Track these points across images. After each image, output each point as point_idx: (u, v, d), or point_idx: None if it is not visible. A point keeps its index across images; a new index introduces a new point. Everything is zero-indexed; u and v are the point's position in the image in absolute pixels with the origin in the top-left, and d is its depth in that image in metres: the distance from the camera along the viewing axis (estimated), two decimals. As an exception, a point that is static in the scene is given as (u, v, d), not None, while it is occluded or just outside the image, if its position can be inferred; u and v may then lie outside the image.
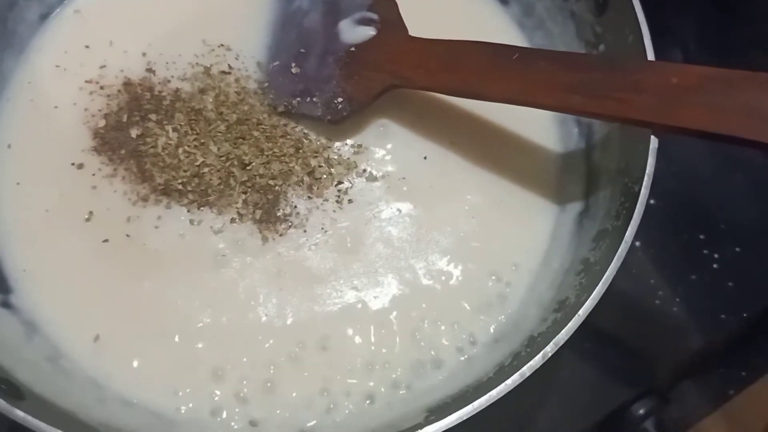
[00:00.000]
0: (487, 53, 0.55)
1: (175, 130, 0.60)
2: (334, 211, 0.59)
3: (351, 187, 0.60)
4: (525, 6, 0.66)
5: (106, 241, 0.57)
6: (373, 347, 0.55)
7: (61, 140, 0.60)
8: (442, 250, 0.58)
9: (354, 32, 0.62)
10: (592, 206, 0.57)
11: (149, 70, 0.63)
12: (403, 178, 0.61)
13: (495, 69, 0.54)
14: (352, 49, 0.61)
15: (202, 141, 0.60)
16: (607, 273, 0.46)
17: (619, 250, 0.46)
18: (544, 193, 0.60)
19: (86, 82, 0.62)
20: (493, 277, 0.57)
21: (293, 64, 0.62)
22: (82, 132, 0.60)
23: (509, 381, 0.43)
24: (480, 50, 0.56)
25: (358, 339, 0.55)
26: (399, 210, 0.60)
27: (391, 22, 0.61)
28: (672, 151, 0.70)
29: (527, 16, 0.66)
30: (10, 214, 0.58)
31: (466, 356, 0.54)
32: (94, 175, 0.59)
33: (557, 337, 0.44)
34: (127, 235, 0.58)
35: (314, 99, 0.60)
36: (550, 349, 0.44)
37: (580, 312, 0.45)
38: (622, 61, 0.52)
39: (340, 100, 0.60)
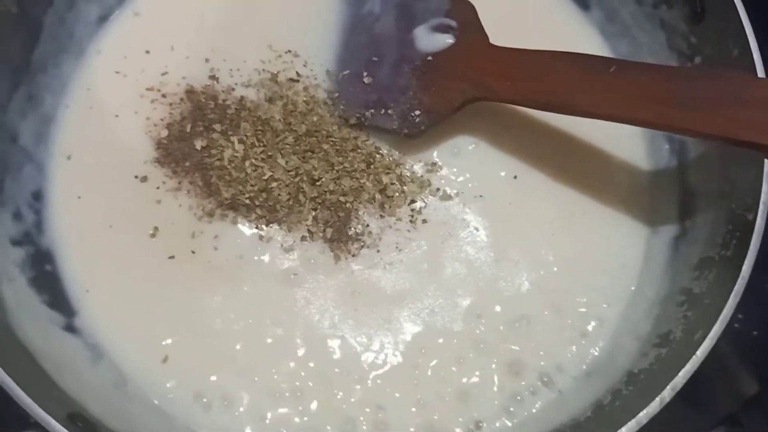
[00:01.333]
0: (578, 65, 0.52)
1: (241, 141, 0.57)
2: (408, 230, 0.56)
3: (425, 206, 0.57)
4: (608, 11, 0.63)
5: (171, 257, 0.55)
6: (457, 376, 0.52)
7: (123, 151, 0.57)
8: (523, 271, 0.55)
9: (430, 40, 0.58)
10: (690, 230, 0.54)
11: (212, 77, 0.60)
12: (480, 196, 0.57)
13: (587, 81, 0.51)
14: (429, 57, 0.58)
15: (270, 153, 0.57)
16: (724, 311, 0.43)
17: (737, 286, 0.43)
18: (634, 214, 0.57)
19: (147, 89, 0.59)
20: (581, 304, 0.54)
21: (365, 73, 0.59)
22: (144, 142, 0.58)
23: (623, 429, 0.40)
24: (571, 61, 0.52)
25: (441, 366, 0.52)
26: (476, 229, 0.57)
27: (470, 28, 0.57)
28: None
29: (610, 22, 0.63)
30: (71, 231, 0.55)
31: (557, 391, 0.51)
32: (158, 188, 0.56)
33: (674, 380, 0.41)
34: (193, 252, 0.55)
35: (389, 111, 0.57)
36: (667, 395, 0.41)
37: (698, 353, 0.42)
38: (728, 76, 0.48)
39: (417, 112, 0.56)
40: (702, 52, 0.55)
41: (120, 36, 0.61)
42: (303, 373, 0.52)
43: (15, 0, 0.53)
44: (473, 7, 0.58)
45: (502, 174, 0.58)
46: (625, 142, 0.59)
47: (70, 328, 0.52)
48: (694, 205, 0.54)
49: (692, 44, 0.56)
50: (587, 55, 0.52)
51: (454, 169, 0.58)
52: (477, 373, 0.52)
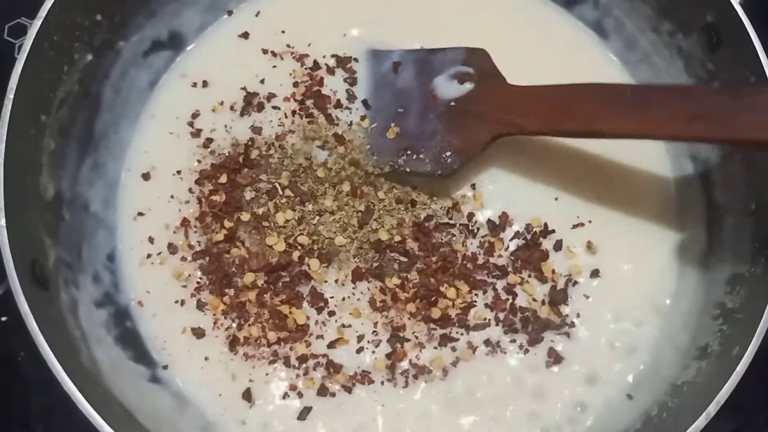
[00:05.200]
0: (599, 94, 0.55)
1: (284, 188, 0.61)
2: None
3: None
4: (626, 40, 0.66)
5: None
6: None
7: (183, 207, 0.61)
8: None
9: (451, 87, 0.62)
10: (718, 247, 0.57)
11: (255, 128, 0.63)
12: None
13: (609, 107, 0.54)
14: (452, 103, 0.61)
15: (316, 199, 0.61)
16: (760, 325, 0.47)
17: (769, 303, 0.47)
18: (664, 232, 0.60)
19: (198, 147, 0.63)
20: (622, 318, 0.58)
21: (392, 125, 0.62)
22: (200, 196, 0.61)
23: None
24: (591, 92, 0.56)
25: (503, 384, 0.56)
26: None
27: (487, 73, 0.61)
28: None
29: (629, 50, 0.66)
30: (143, 287, 0.59)
31: (609, 404, 0.55)
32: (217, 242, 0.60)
33: (718, 396, 0.45)
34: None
35: (421, 155, 0.60)
36: (713, 409, 0.45)
37: (738, 368, 0.46)
38: (741, 87, 0.51)
39: (448, 153, 0.60)
40: (719, 78, 0.58)
41: (170, 98, 0.65)
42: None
43: (77, 79, 0.57)
44: (487, 53, 0.62)
45: (555, 198, 0.61)
46: (651, 163, 0.62)
47: (155, 379, 0.56)
48: (720, 223, 0.58)
49: (709, 70, 0.59)
50: (603, 84, 0.56)
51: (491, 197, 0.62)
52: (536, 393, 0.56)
